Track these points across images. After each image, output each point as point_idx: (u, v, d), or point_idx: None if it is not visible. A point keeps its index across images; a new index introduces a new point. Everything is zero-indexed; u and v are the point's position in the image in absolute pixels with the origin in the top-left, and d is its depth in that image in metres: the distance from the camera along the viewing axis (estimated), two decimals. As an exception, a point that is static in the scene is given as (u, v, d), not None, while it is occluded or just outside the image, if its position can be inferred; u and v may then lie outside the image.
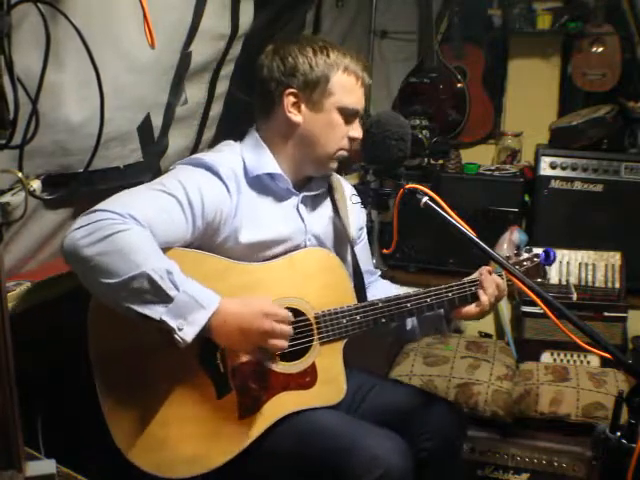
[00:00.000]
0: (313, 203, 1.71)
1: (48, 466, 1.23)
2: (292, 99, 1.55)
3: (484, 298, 1.64)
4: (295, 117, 1.56)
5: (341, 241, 1.76)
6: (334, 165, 1.63)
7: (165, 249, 1.40)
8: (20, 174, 1.24)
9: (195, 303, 1.32)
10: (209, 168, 1.52)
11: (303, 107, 1.56)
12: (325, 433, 1.50)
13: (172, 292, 1.30)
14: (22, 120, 1.12)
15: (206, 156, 1.56)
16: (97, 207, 1.36)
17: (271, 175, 1.60)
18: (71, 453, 1.44)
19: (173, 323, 1.30)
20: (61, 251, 1.34)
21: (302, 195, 1.65)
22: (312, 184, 1.70)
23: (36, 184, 1.43)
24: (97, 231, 1.29)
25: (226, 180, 1.52)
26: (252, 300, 1.42)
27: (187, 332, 1.31)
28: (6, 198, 1.32)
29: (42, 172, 1.52)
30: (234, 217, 1.51)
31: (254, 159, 1.58)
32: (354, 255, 1.75)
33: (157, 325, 1.31)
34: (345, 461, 1.41)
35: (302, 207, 1.66)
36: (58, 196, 1.56)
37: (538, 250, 1.83)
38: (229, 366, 1.48)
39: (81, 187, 1.66)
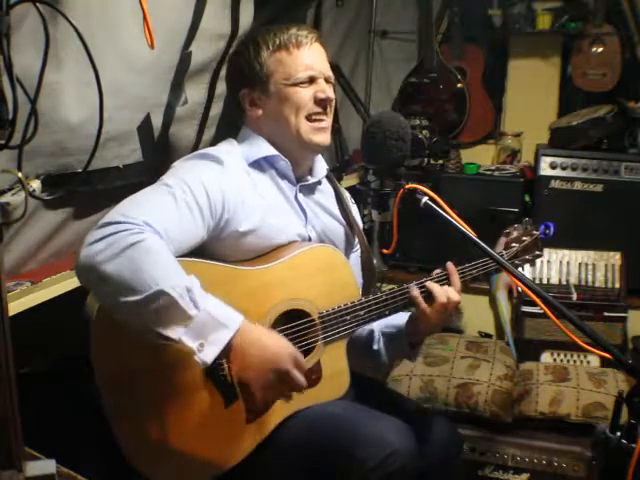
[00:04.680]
0: (314, 196, 1.71)
1: (48, 466, 1.22)
2: (247, 98, 1.63)
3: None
4: (255, 112, 1.62)
5: (346, 237, 1.76)
6: (318, 135, 1.60)
7: None
8: (20, 174, 1.24)
9: (216, 322, 1.28)
10: (210, 157, 1.54)
11: (257, 100, 1.61)
12: (332, 420, 1.51)
13: (192, 311, 1.26)
14: (21, 120, 1.12)
15: (206, 149, 1.60)
16: (109, 218, 1.30)
17: (269, 160, 1.61)
18: (72, 455, 1.44)
19: (193, 344, 1.26)
20: (75, 269, 1.30)
21: (299, 185, 1.66)
22: (310, 175, 1.71)
23: (36, 184, 1.43)
24: (114, 244, 1.25)
25: (227, 167, 1.53)
26: (277, 338, 1.39)
27: (208, 352, 1.27)
28: (6, 198, 1.32)
29: (42, 172, 1.52)
30: (237, 205, 1.51)
31: (250, 146, 1.62)
32: (365, 249, 1.76)
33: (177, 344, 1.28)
34: (353, 445, 1.43)
35: (301, 197, 1.66)
36: (58, 196, 1.56)
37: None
38: (236, 376, 1.46)
39: (81, 187, 1.66)
